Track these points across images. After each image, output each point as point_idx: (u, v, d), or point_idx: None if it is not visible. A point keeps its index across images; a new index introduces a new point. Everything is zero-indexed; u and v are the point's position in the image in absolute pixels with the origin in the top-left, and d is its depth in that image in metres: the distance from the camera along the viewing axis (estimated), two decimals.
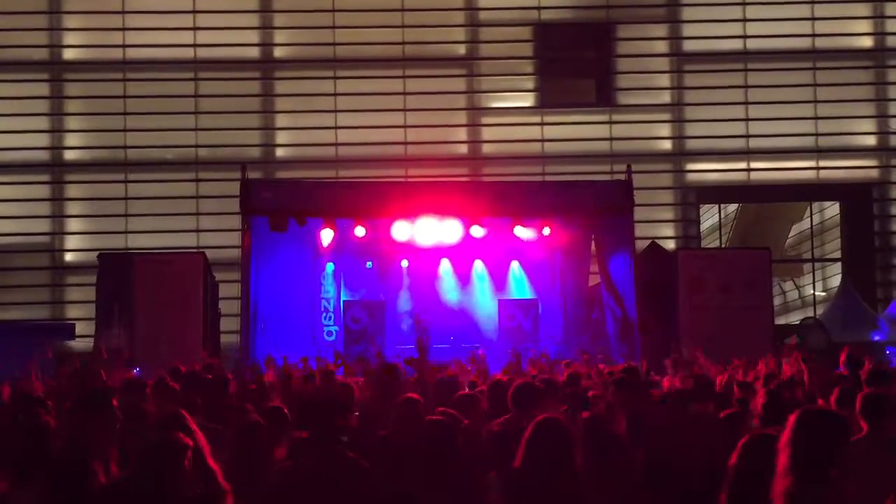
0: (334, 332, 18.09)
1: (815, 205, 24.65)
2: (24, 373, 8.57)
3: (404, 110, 22.55)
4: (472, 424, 6.25)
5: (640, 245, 17.23)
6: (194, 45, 22.60)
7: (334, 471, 4.64)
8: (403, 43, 22.77)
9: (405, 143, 22.49)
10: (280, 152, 22.90)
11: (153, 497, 3.94)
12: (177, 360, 9.40)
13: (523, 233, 16.74)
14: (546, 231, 16.76)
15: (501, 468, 4.62)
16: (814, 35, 23.14)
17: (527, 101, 23.16)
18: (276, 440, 5.30)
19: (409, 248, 17.39)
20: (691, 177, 23.25)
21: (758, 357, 10.51)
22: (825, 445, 3.41)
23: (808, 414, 3.53)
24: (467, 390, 7.56)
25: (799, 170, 23.19)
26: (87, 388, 6.91)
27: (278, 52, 23.10)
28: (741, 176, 23.26)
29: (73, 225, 22.56)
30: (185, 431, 4.36)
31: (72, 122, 22.80)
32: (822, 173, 23.22)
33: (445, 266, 18.17)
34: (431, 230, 16.54)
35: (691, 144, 23.20)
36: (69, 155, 22.72)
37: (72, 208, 22.59)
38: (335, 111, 22.57)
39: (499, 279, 18.47)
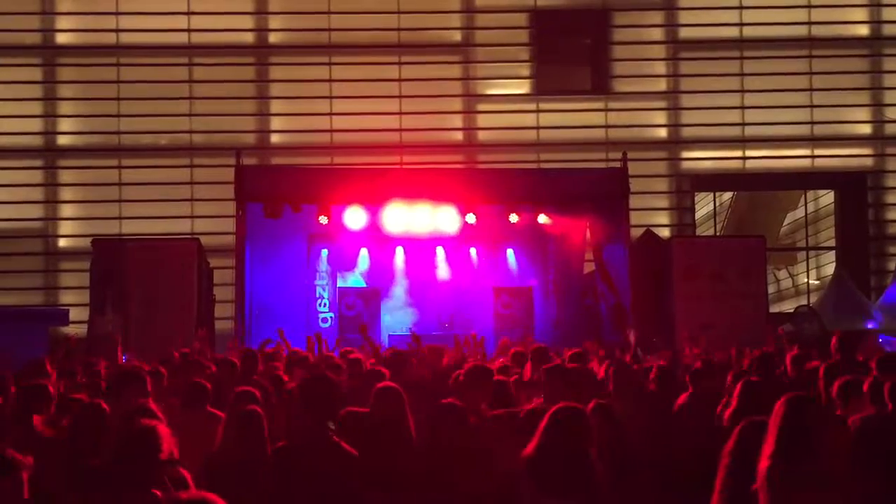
0: (329, 318, 18.08)
1: (810, 193, 24.67)
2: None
3: (399, 97, 22.47)
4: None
5: (635, 233, 17.24)
6: (188, 30, 22.48)
7: (322, 454, 4.68)
8: (399, 29, 22.67)
9: (400, 130, 22.42)
10: (275, 138, 22.82)
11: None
12: (170, 348, 9.40)
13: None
14: (541, 219, 16.76)
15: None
16: (810, 23, 23.10)
17: (522, 88, 23.09)
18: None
19: (403, 235, 17.36)
20: (686, 164, 23.24)
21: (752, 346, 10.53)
22: (807, 429, 3.64)
23: (791, 400, 3.77)
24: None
25: (794, 158, 23.19)
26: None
27: (273, 38, 22.99)
28: (736, 164, 23.25)
29: (66, 210, 22.48)
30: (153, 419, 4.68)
31: (65, 107, 22.68)
32: (818, 161, 23.22)
33: (440, 253, 18.16)
34: (426, 217, 16.52)
35: (687, 132, 23.17)
36: (62, 140, 22.61)
37: (65, 194, 22.49)
38: (330, 97, 22.48)
39: (493, 266, 18.46)
